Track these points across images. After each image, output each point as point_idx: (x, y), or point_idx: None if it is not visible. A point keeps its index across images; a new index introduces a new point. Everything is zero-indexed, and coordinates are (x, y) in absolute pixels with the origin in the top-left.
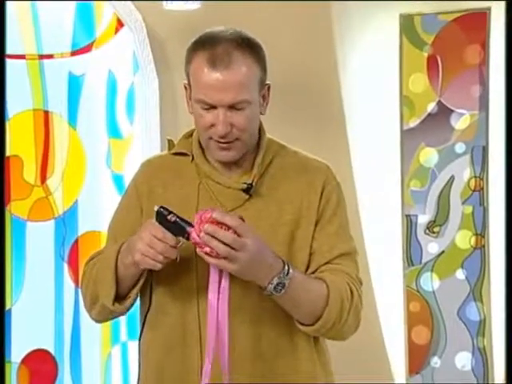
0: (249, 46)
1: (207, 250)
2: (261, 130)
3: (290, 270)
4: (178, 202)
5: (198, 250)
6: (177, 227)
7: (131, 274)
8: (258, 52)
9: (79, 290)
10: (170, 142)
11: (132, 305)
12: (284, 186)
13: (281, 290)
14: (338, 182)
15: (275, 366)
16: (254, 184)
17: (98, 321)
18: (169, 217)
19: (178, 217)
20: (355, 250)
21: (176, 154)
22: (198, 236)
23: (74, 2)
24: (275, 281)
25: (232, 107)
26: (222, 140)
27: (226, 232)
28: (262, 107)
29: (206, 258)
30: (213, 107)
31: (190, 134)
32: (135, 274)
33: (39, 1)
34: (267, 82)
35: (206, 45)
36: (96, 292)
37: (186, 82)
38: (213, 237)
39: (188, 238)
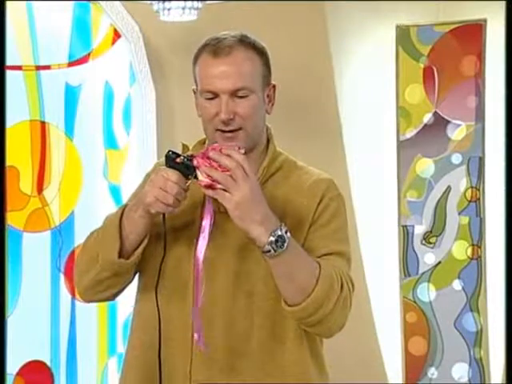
0: (251, 44)
1: (207, 182)
2: (269, 137)
3: (288, 231)
4: (185, 200)
5: (198, 182)
6: (184, 167)
7: (138, 230)
8: (261, 50)
9: (75, 301)
10: (185, 147)
11: (135, 265)
12: (286, 193)
13: (281, 245)
14: (341, 194)
15: (264, 366)
16: None
17: (88, 293)
18: (178, 159)
19: (184, 157)
20: (349, 255)
21: None
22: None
23: (71, 12)
24: (277, 233)
25: (235, 95)
26: (226, 128)
27: (227, 160)
28: (268, 107)
29: (206, 191)
30: (216, 96)
31: (204, 141)
32: (142, 230)
33: (38, 1)
34: (272, 83)
35: (211, 43)
36: (96, 251)
37: (194, 87)
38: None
39: (196, 177)
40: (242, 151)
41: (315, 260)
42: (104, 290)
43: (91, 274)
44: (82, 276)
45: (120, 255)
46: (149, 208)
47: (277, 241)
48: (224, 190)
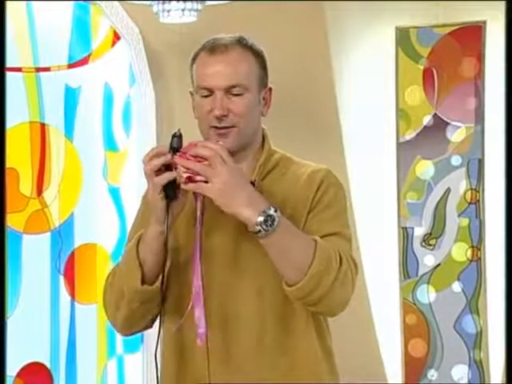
0: (248, 45)
1: (187, 175)
2: (264, 137)
3: (278, 210)
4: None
5: (180, 181)
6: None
7: (154, 252)
8: (258, 52)
9: (75, 303)
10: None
11: (160, 289)
12: (284, 188)
13: (271, 224)
14: (339, 182)
15: (278, 362)
16: (255, 183)
17: (125, 328)
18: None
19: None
20: (350, 237)
21: None
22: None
23: (71, 14)
24: (266, 213)
25: (229, 93)
26: (220, 125)
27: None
28: (264, 109)
29: (184, 186)
30: (211, 94)
31: None
32: (158, 251)
33: (38, 1)
34: (269, 86)
35: (208, 43)
36: (121, 285)
37: (191, 89)
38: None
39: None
40: (220, 143)
41: (311, 237)
42: (139, 320)
43: (122, 310)
44: (115, 313)
45: (144, 282)
46: (157, 185)
47: (266, 220)
48: (205, 182)
